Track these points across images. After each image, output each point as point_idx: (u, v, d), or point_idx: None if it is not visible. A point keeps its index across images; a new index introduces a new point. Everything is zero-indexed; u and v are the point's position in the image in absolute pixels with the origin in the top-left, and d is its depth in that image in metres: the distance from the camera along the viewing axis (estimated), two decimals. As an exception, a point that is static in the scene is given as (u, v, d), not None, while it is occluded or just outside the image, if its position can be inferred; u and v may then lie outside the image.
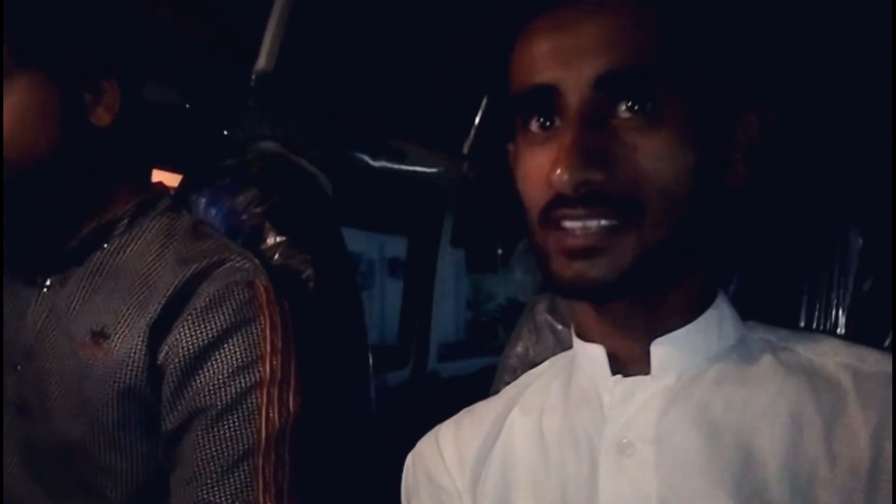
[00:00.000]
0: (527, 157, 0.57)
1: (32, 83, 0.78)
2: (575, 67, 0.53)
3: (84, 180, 0.83)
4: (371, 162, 1.82)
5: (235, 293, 0.78)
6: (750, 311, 0.62)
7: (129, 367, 0.77)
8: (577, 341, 0.64)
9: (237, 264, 0.81)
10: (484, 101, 2.05)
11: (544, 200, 0.55)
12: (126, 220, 0.85)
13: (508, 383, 0.75)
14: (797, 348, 0.59)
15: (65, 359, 0.80)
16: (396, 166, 1.93)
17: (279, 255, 0.99)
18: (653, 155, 0.53)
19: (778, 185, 0.71)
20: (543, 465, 0.63)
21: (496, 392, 0.75)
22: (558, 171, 0.51)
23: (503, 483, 0.64)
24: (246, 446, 0.75)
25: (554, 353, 0.74)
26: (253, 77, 1.35)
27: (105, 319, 0.80)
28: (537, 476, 0.63)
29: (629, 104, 0.53)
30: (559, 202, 0.53)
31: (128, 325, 0.79)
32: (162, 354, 0.78)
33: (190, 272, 0.80)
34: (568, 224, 0.53)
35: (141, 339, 0.78)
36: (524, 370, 0.75)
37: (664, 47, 0.53)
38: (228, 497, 0.74)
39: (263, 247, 0.98)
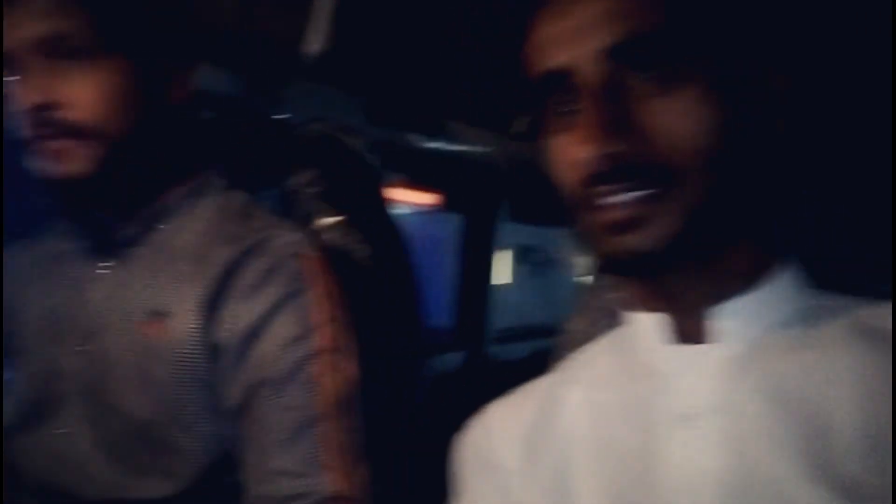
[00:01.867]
0: (554, 143, 0.56)
1: (116, 66, 0.79)
2: (582, 45, 0.53)
3: (156, 161, 0.84)
4: (424, 143, 1.81)
5: (284, 266, 0.79)
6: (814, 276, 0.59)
7: (188, 346, 0.79)
8: (630, 313, 0.63)
9: (286, 239, 0.82)
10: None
11: (578, 182, 0.54)
12: (180, 202, 0.87)
13: (567, 358, 0.73)
14: (864, 315, 0.56)
15: (126, 339, 0.81)
16: (450, 147, 1.91)
17: (333, 235, 0.99)
18: (674, 118, 0.52)
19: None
20: (601, 439, 0.61)
21: (556, 360, 0.75)
22: (585, 149, 0.52)
23: (560, 460, 0.63)
24: (311, 413, 0.76)
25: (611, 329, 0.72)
26: (302, 59, 1.35)
27: (163, 300, 0.81)
28: (596, 451, 0.61)
29: (642, 72, 0.52)
30: (592, 180, 0.53)
31: (184, 305, 0.80)
32: (217, 332, 0.79)
33: (238, 250, 0.80)
34: (605, 200, 0.53)
35: (196, 318, 0.79)
36: (585, 344, 0.73)
37: (668, 12, 0.53)
38: (300, 464, 0.75)
39: (317, 227, 0.99)
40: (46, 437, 0.85)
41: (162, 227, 0.86)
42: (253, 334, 0.78)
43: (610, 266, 0.56)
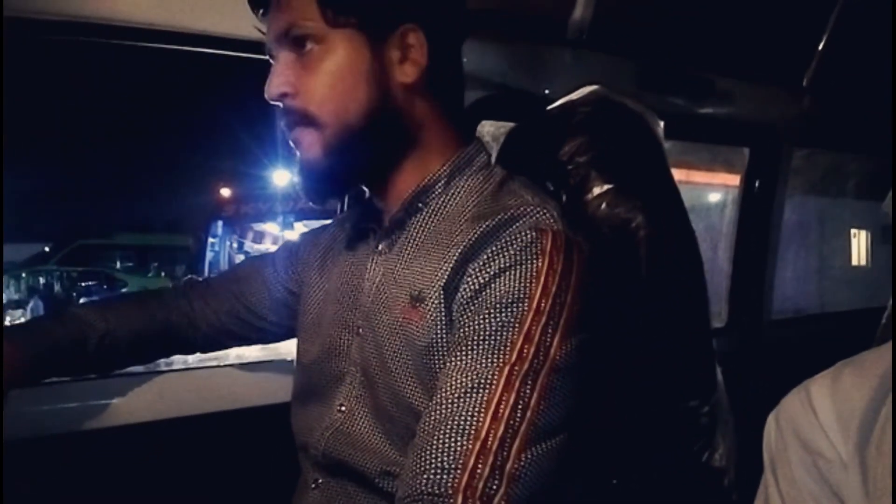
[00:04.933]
0: None
1: (346, 42, 0.79)
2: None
3: (395, 139, 0.84)
4: (695, 106, 1.66)
5: (519, 238, 0.74)
6: None
7: (438, 330, 0.77)
8: None
9: (531, 217, 0.76)
10: (830, 22, 1.74)
11: None
12: (442, 182, 0.85)
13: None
14: None
15: (394, 324, 0.81)
16: (724, 109, 1.73)
17: (605, 204, 0.93)
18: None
19: None
20: None
21: (883, 340, 0.63)
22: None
23: None
24: (485, 378, 0.68)
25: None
26: (569, 29, 1.30)
27: (421, 284, 0.80)
28: None
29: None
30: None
31: (433, 290, 0.78)
32: (453, 310, 0.76)
33: (481, 230, 0.77)
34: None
35: (441, 302, 0.77)
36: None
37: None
38: (454, 424, 0.67)
39: (589, 197, 0.94)
40: (327, 412, 0.88)
41: (423, 209, 0.85)
42: (470, 301, 0.74)
43: None
